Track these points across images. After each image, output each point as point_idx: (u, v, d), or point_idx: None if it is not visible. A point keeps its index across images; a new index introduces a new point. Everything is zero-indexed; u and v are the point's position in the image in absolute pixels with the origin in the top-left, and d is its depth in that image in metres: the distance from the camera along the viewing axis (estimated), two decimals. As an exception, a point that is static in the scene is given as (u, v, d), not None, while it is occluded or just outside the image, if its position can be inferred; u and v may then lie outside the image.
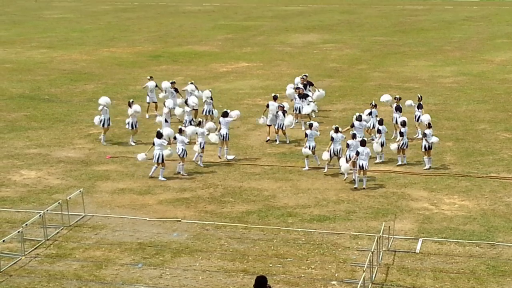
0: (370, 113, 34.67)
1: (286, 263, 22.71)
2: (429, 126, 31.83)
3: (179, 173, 30.85)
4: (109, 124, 35.28)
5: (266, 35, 69.07)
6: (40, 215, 24.46)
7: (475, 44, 62.56)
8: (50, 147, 34.91)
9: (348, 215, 26.40)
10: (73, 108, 42.26)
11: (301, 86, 39.14)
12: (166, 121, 34.70)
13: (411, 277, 21.75)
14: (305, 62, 55.19)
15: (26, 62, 56.37)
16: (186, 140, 30.88)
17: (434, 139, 31.48)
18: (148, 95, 39.58)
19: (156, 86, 39.59)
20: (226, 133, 32.50)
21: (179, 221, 26.00)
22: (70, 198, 26.09)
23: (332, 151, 30.70)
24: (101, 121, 34.98)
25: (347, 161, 29.69)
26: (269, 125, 35.39)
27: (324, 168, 31.10)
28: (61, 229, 25.32)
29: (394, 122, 34.89)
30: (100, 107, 35.03)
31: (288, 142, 35.11)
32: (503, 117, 39.35)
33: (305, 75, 41.19)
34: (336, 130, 30.98)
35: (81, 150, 34.43)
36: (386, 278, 21.71)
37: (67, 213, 25.73)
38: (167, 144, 30.98)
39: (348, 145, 29.92)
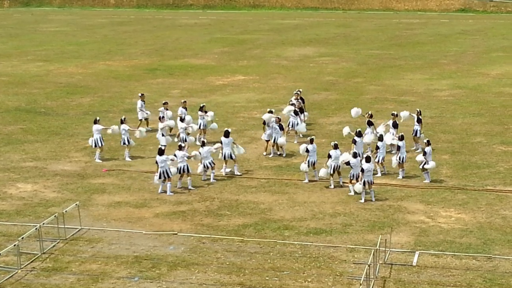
0: (368, 123, 34.86)
1: (282, 276, 22.69)
2: (428, 143, 31.70)
3: (185, 188, 30.73)
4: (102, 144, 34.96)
5: (262, 48, 69.18)
6: (36, 228, 24.43)
7: (471, 58, 62.70)
8: (46, 160, 34.89)
9: (344, 228, 26.39)
10: (69, 121, 42.24)
11: (295, 101, 39.09)
12: (162, 135, 34.67)
13: (408, 290, 21.76)
14: (301, 76, 55.24)
15: (22, 75, 56.37)
16: (187, 155, 30.92)
17: (430, 165, 31.29)
18: (139, 112, 39.48)
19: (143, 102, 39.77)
20: (230, 153, 32.37)
21: (176, 234, 25.98)
22: (66, 211, 26.07)
23: (331, 167, 30.66)
24: (94, 141, 34.64)
25: (350, 181, 29.81)
26: (267, 140, 35.40)
27: (330, 184, 31.05)
28: (57, 243, 25.27)
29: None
30: (110, 131, 35.07)
31: (284, 155, 35.10)
32: (499, 130, 39.40)
33: (299, 91, 41.14)
34: (335, 147, 30.95)
35: (77, 163, 34.40)
36: (383, 291, 21.72)
37: (63, 226, 25.71)
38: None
39: (348, 163, 30.00)
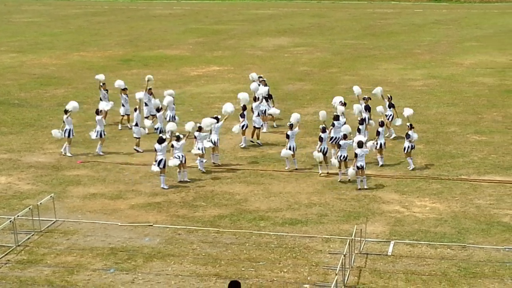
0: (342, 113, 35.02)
1: (258, 266, 22.73)
2: (411, 127, 31.84)
3: (184, 181, 30.58)
4: (72, 135, 34.28)
5: (237, 38, 69.10)
6: (10, 221, 24.31)
7: (444, 47, 62.95)
8: (20, 152, 34.68)
9: (320, 218, 26.45)
10: (43, 112, 42.01)
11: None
12: (136, 124, 34.39)
13: (383, 280, 21.84)
14: (276, 66, 55.25)
15: (-4, 66, 56.02)
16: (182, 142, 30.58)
17: (415, 136, 31.64)
18: (123, 106, 38.54)
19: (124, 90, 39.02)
20: (217, 139, 32.29)
21: (151, 225, 25.94)
22: (41, 203, 25.93)
23: (320, 150, 30.84)
24: (65, 131, 33.99)
25: (339, 162, 30.01)
26: (258, 128, 35.40)
27: (319, 169, 31.17)
28: (32, 235, 25.15)
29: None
30: (65, 117, 34.14)
31: (243, 146, 35.05)
32: (472, 120, 39.62)
33: (261, 76, 41.03)
34: (323, 130, 31.11)
35: (52, 155, 34.22)
36: (359, 281, 21.79)
37: (38, 218, 25.57)
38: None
39: (339, 146, 30.23)
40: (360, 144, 29.50)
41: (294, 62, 57.03)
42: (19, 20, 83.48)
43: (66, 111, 34.30)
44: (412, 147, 31.61)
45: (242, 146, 35.09)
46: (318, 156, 30.88)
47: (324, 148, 30.99)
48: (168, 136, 31.37)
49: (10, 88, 48.57)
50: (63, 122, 34.21)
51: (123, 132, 37.24)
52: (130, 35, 71.35)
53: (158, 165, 29.58)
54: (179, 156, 30.14)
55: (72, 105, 34.65)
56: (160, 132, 33.59)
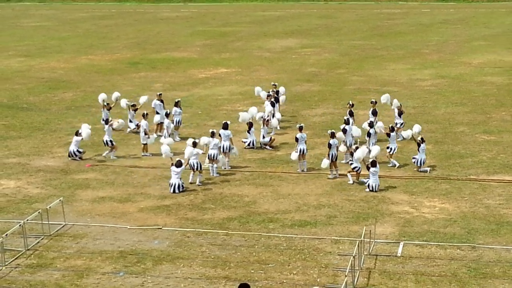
0: (350, 113, 34.96)
1: (268, 269, 22.70)
2: (423, 141, 31.65)
3: (196, 183, 30.49)
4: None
5: (245, 40, 69.12)
6: (20, 225, 24.32)
7: (452, 47, 62.86)
8: (29, 156, 34.73)
9: (329, 220, 26.42)
10: (52, 116, 42.08)
11: (271, 93, 39.22)
12: (145, 133, 34.27)
13: (393, 281, 21.79)
14: (283, 67, 55.25)
15: (4, 70, 56.09)
16: (201, 152, 30.65)
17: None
18: (130, 122, 38.03)
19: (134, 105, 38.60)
20: (228, 146, 32.33)
21: (160, 228, 25.94)
22: (50, 207, 25.95)
23: (330, 156, 30.72)
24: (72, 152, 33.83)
25: (352, 170, 30.00)
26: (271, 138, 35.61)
27: (330, 174, 31.10)
28: (42, 239, 25.18)
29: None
30: (79, 138, 33.68)
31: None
32: (481, 119, 39.53)
33: (275, 84, 41.10)
34: (332, 136, 31.03)
35: (61, 158, 34.26)
36: (368, 283, 21.74)
37: (47, 222, 25.60)
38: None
39: (352, 154, 30.16)
40: (374, 164, 29.27)
41: (302, 63, 57.02)
42: (27, 24, 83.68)
43: (77, 133, 34.00)
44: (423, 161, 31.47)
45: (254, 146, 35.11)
46: (326, 163, 30.76)
47: (333, 154, 30.82)
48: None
49: (18, 92, 48.67)
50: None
51: (131, 136, 37.27)
52: (138, 38, 71.46)
53: (171, 187, 29.57)
54: (197, 163, 30.18)
55: (85, 132, 34.38)
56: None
